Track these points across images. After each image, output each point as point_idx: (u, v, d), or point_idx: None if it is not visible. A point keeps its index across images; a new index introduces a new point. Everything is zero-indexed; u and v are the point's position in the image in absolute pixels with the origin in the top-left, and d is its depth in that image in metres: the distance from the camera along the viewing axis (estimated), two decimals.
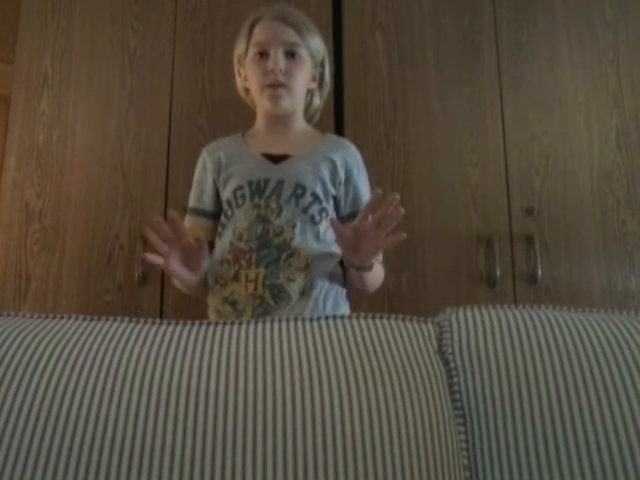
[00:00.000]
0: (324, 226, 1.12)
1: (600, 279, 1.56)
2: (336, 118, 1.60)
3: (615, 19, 1.70)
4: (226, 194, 1.14)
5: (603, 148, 1.63)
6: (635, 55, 1.69)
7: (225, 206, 1.15)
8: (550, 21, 1.69)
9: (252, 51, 1.15)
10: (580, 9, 1.70)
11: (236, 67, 1.23)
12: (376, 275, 1.13)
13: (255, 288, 1.06)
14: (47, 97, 1.64)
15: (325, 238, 1.12)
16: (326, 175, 1.13)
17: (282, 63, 1.11)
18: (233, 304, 1.08)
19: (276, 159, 1.14)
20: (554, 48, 1.67)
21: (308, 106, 1.24)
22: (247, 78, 1.20)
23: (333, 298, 1.12)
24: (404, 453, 0.48)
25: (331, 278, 1.13)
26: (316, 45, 1.18)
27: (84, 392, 0.49)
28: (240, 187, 1.12)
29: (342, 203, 1.16)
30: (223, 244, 1.12)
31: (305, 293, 1.08)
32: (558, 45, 1.68)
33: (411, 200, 1.58)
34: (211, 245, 1.15)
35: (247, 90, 1.23)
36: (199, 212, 1.19)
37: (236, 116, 1.50)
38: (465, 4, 1.68)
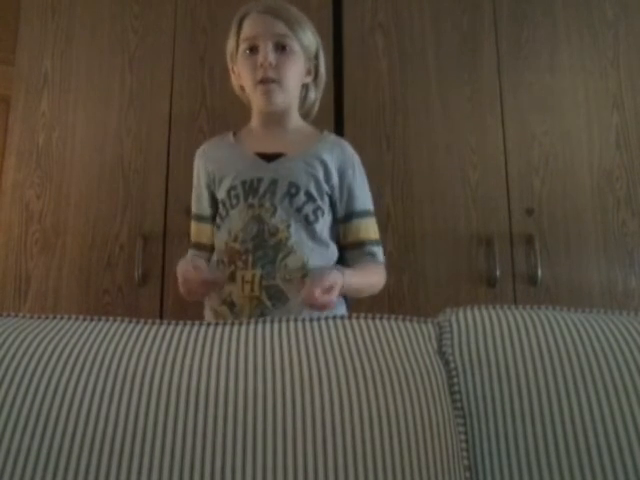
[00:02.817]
0: (320, 225, 1.11)
1: (600, 279, 1.56)
2: (336, 118, 1.60)
3: (615, 19, 1.70)
4: (220, 194, 1.14)
5: (603, 148, 1.63)
6: (635, 55, 1.69)
7: (220, 206, 1.14)
8: (550, 21, 1.69)
9: (242, 47, 1.13)
10: (580, 9, 1.70)
11: (230, 65, 1.21)
12: (363, 289, 1.14)
13: (252, 289, 1.06)
14: (47, 98, 1.64)
15: (321, 237, 1.11)
16: (320, 173, 1.12)
17: (272, 57, 1.08)
18: (231, 305, 1.08)
19: (269, 158, 1.13)
20: (554, 48, 1.67)
21: (303, 100, 1.21)
22: (240, 75, 1.19)
23: None
24: (404, 453, 0.48)
25: None
26: (308, 38, 1.15)
27: (84, 392, 0.49)
28: (234, 187, 1.11)
29: (338, 205, 1.15)
30: (219, 244, 1.12)
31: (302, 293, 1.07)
32: (558, 45, 1.68)
33: (411, 200, 1.58)
34: (213, 248, 1.16)
35: (242, 88, 1.22)
36: (200, 218, 1.20)
37: (236, 116, 1.49)
38: (465, 4, 1.68)
